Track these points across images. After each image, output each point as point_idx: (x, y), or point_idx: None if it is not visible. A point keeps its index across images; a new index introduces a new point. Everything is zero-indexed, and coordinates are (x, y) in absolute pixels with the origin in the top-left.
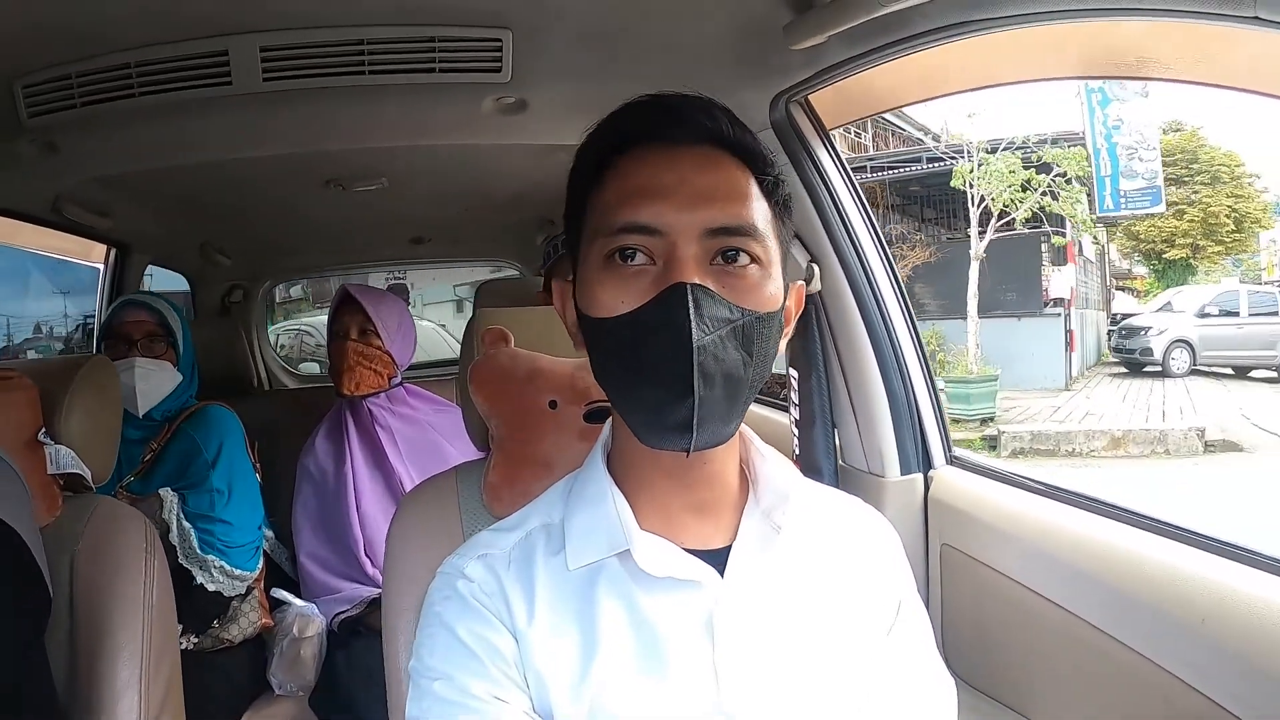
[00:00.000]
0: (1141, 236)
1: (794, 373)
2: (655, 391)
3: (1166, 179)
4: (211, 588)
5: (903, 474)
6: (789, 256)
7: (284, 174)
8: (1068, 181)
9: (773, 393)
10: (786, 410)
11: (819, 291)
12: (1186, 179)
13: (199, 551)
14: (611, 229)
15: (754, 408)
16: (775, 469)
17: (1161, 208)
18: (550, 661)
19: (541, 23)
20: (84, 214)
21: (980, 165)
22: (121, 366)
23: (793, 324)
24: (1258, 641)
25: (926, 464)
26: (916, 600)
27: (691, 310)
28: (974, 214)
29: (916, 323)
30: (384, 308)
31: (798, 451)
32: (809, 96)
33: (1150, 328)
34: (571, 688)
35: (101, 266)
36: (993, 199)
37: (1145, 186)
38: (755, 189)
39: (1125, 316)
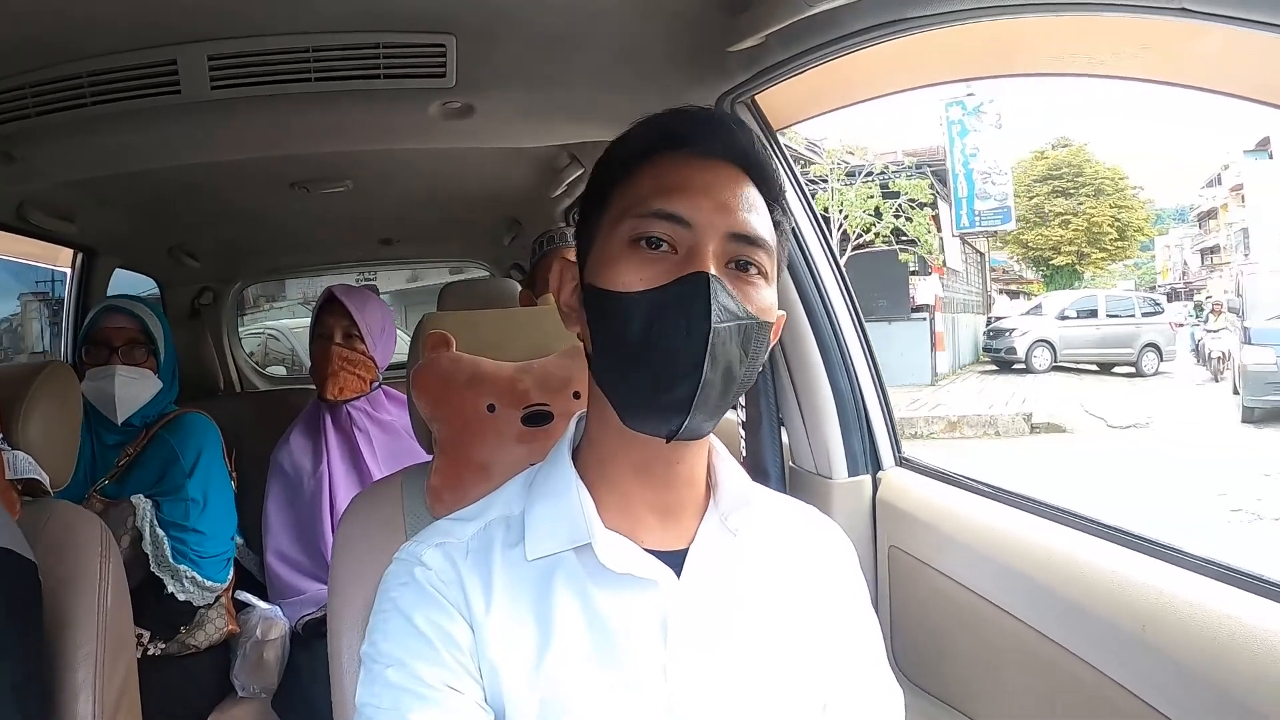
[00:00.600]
0: (1031, 244)
1: None
2: (661, 367)
3: (1053, 191)
4: (182, 597)
5: (850, 475)
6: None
7: (249, 177)
8: (918, 207)
9: None
10: (735, 410)
11: None
12: (1072, 191)
13: (171, 561)
14: (645, 213)
15: None
16: (736, 474)
17: (1011, 225)
18: (505, 652)
19: (485, 28)
20: (48, 219)
21: (837, 194)
22: (101, 374)
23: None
24: (1195, 649)
25: (875, 465)
26: (869, 611)
27: (712, 296)
28: (835, 235)
29: (865, 325)
30: (368, 310)
31: (745, 453)
32: (755, 98)
33: (1015, 329)
34: (525, 678)
35: (69, 271)
36: (849, 223)
37: (996, 206)
38: (766, 211)
39: (998, 319)
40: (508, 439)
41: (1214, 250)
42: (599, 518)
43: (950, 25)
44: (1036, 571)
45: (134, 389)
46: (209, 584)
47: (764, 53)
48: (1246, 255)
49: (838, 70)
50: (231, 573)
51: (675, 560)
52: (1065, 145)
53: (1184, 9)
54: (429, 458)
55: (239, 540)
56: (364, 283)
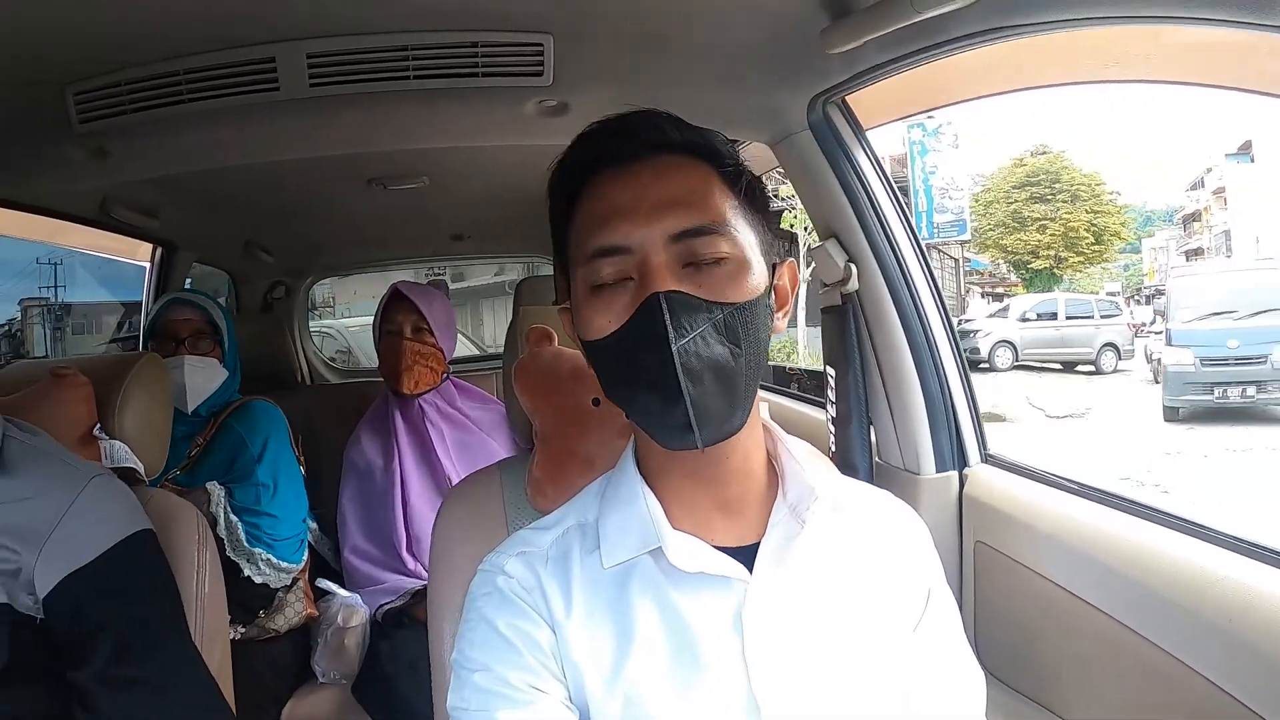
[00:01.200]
0: (1010, 249)
1: (831, 370)
2: (652, 399)
3: (1031, 197)
4: (258, 580)
5: (938, 471)
6: (774, 240)
7: (327, 173)
8: None
9: (809, 389)
10: (824, 407)
11: (856, 291)
12: (1049, 197)
13: (246, 544)
14: (586, 256)
15: (793, 404)
16: (802, 465)
17: (966, 236)
18: (586, 653)
19: (582, 27)
20: (131, 214)
21: (802, 214)
22: (170, 365)
23: (791, 301)
24: None
25: (962, 461)
26: (945, 591)
27: (667, 318)
28: (802, 250)
29: (952, 320)
30: (435, 305)
31: (834, 448)
32: (846, 97)
33: (979, 330)
34: (606, 679)
35: (147, 265)
36: (810, 237)
37: (954, 219)
38: (717, 183)
39: (965, 321)
40: (611, 433)
41: (1198, 252)
42: (667, 520)
43: (1053, 32)
44: (1122, 565)
45: (202, 378)
46: (284, 565)
47: (861, 55)
48: (1229, 256)
49: (929, 73)
50: (306, 555)
51: (747, 555)
52: (1044, 152)
53: None
54: (499, 450)
55: (313, 526)
56: (433, 278)
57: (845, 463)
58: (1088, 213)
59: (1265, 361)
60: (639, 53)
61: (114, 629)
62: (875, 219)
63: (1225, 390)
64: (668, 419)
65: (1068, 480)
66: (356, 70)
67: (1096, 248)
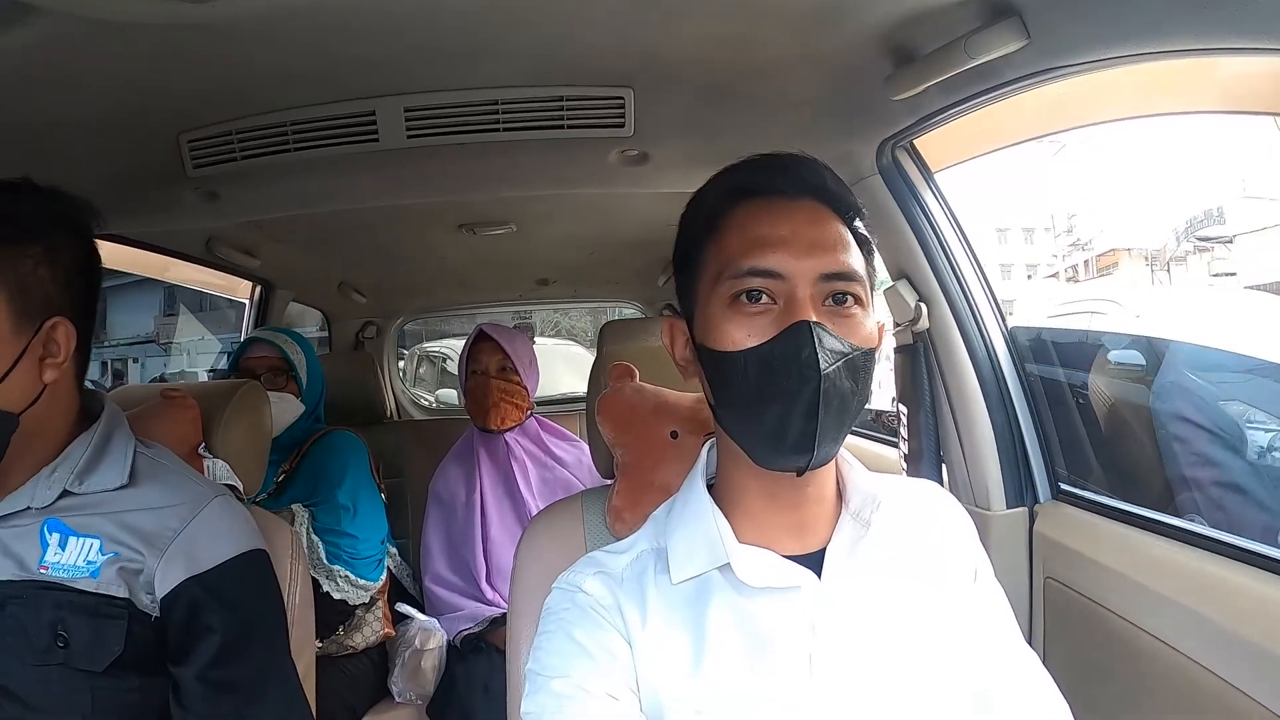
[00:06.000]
0: None
1: (903, 408)
2: (781, 416)
3: None
4: (337, 596)
5: (1009, 507)
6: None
7: (420, 219)
8: None
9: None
10: (896, 445)
11: (927, 330)
12: None
13: (326, 562)
14: (739, 272)
15: (865, 444)
16: (864, 477)
17: None
18: (660, 664)
19: (661, 82)
20: (234, 253)
21: None
22: None
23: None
24: None
25: (1032, 497)
26: (987, 566)
27: (817, 343)
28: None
29: (1023, 359)
30: (518, 345)
31: None
32: (914, 141)
33: None
34: (682, 684)
35: (247, 302)
36: None
37: None
38: (851, 239)
39: None
40: (688, 464)
41: None
42: (734, 535)
43: (1101, 70)
44: (1199, 604)
45: (275, 412)
46: (362, 582)
47: (925, 100)
48: None
49: (993, 115)
50: (385, 575)
51: (814, 561)
52: None
53: None
54: (580, 486)
55: (393, 551)
56: (520, 322)
57: None
58: None
59: None
60: (714, 105)
61: (221, 634)
62: (945, 259)
63: None
64: (787, 438)
65: (1143, 516)
66: (450, 122)
67: None
